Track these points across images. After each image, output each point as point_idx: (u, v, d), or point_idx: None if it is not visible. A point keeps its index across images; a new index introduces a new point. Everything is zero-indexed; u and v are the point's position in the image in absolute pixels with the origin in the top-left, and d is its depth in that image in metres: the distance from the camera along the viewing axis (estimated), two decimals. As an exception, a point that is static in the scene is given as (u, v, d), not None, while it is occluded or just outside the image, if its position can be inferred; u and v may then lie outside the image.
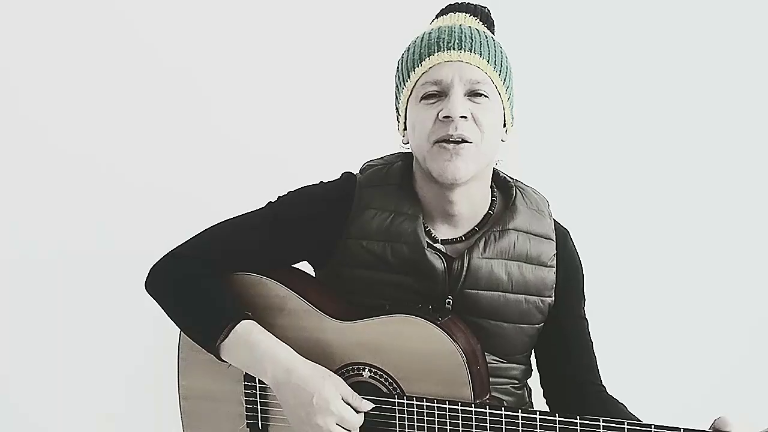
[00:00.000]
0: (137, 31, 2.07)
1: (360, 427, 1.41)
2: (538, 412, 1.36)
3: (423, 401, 1.40)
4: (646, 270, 2.12)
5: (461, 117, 1.38)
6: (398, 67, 1.50)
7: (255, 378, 1.49)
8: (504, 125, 1.48)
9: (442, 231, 1.50)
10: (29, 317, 2.11)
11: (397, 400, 1.42)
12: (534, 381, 1.62)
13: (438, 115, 1.40)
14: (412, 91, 1.45)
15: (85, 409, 2.12)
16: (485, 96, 1.41)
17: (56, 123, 2.07)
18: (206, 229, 1.54)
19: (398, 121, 1.53)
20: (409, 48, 1.48)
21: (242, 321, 1.43)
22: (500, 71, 1.44)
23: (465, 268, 1.46)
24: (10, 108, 2.07)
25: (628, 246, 2.11)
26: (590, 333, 1.57)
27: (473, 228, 1.50)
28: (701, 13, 2.07)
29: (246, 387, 1.51)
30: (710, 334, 2.12)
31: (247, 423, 1.52)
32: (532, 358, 1.61)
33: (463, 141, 1.39)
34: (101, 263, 2.08)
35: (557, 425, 1.35)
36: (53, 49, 2.06)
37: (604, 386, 1.55)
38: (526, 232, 1.50)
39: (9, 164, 2.08)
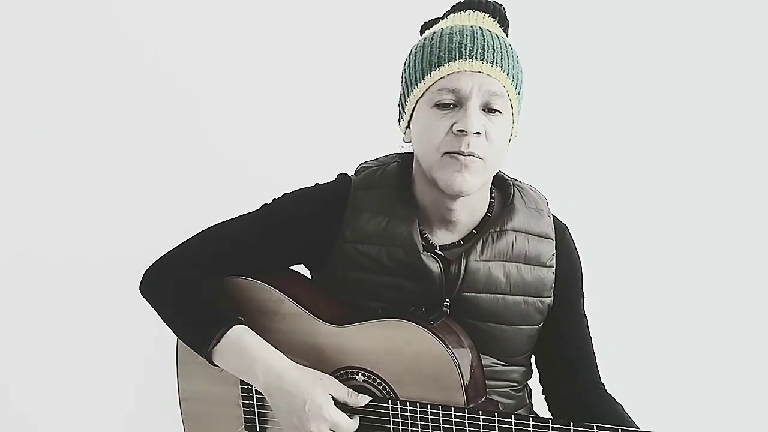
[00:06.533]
0: (130, 33, 2.06)
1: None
2: (531, 418, 1.34)
3: (417, 406, 1.39)
4: (647, 268, 2.09)
5: (476, 133, 1.34)
6: (410, 63, 1.42)
7: (251, 380, 1.49)
8: (509, 137, 1.43)
9: (440, 235, 1.48)
10: (27, 322, 2.12)
11: (390, 405, 1.41)
12: (533, 381, 1.60)
13: (452, 127, 1.35)
14: (424, 93, 1.39)
15: (87, 412, 2.14)
16: (500, 112, 1.37)
17: (51, 128, 2.08)
18: (200, 232, 1.53)
19: (401, 118, 1.47)
20: (425, 45, 1.39)
21: (234, 326, 1.42)
22: (516, 84, 1.39)
23: (462, 271, 1.43)
24: (8, 112, 2.07)
25: (628, 245, 2.09)
26: (589, 331, 1.54)
27: (471, 231, 1.47)
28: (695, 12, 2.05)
29: (243, 390, 1.51)
30: (710, 333, 2.09)
31: (245, 426, 1.52)
32: (532, 360, 1.58)
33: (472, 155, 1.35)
34: (99, 267, 2.09)
35: (551, 430, 1.32)
36: (49, 52, 2.05)
37: (603, 384, 1.52)
38: (525, 232, 1.46)
39: (6, 169, 2.09)
